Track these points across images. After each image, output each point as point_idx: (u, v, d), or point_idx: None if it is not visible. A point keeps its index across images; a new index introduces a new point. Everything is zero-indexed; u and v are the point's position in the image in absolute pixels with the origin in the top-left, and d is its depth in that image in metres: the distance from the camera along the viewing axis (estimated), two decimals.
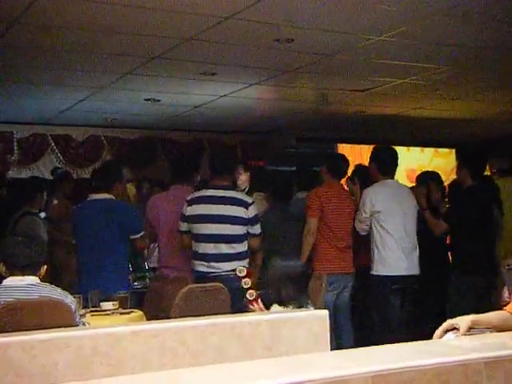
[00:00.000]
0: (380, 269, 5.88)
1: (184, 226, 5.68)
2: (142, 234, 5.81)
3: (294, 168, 9.85)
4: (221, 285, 4.37)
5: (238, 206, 5.57)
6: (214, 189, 5.66)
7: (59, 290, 3.94)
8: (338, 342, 5.91)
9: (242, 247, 5.62)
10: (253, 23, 5.34)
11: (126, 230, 5.72)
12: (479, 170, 6.23)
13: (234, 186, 6.14)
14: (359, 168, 7.09)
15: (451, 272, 6.08)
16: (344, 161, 6.48)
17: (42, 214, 7.31)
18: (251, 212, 5.61)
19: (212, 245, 5.53)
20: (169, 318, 4.08)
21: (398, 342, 2.45)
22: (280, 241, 5.97)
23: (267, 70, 6.89)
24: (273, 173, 7.38)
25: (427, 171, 7.30)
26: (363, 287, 6.15)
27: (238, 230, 5.58)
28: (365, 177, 6.67)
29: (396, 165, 6.14)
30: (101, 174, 5.98)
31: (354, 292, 6.20)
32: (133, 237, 5.78)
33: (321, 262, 5.97)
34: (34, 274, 3.88)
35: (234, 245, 5.56)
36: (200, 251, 5.56)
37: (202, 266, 5.49)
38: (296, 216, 6.21)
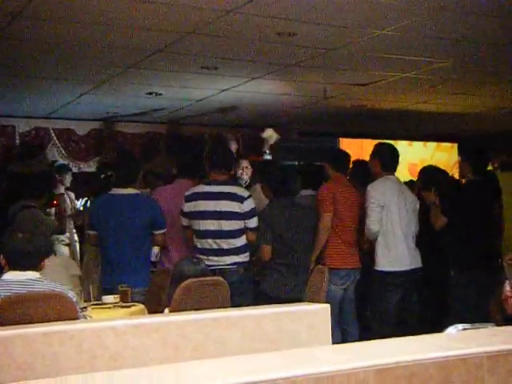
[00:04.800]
0: (384, 264, 5.89)
1: (185, 222, 5.70)
2: (165, 230, 5.79)
3: (296, 163, 9.84)
4: (221, 278, 4.36)
5: (232, 200, 5.56)
6: (210, 184, 5.65)
7: (59, 284, 3.94)
8: (344, 335, 5.93)
9: (240, 242, 5.62)
10: (255, 17, 5.33)
11: (152, 225, 5.70)
12: (481, 164, 6.24)
13: (232, 181, 6.10)
14: (358, 163, 7.08)
15: (451, 267, 6.09)
16: (346, 155, 6.53)
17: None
18: (246, 206, 5.60)
19: (210, 240, 5.54)
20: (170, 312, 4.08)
21: (401, 335, 2.46)
22: (283, 234, 5.91)
23: (269, 64, 6.88)
24: (277, 166, 7.31)
25: (432, 167, 7.27)
26: (364, 281, 6.15)
27: (235, 224, 5.57)
28: (364, 172, 6.68)
29: (398, 161, 6.19)
30: (125, 169, 5.84)
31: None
32: (157, 232, 5.75)
33: (331, 256, 5.98)
34: (34, 268, 3.87)
35: (232, 240, 5.56)
36: (199, 246, 5.59)
37: None
38: (300, 207, 6.09)
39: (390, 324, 5.88)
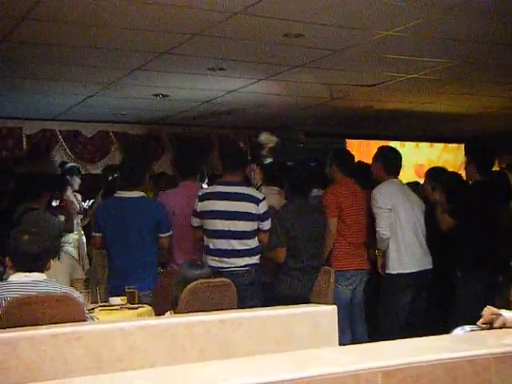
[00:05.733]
0: (397, 266, 5.90)
1: (196, 222, 5.69)
2: (171, 232, 5.78)
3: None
4: (228, 280, 4.34)
5: (248, 201, 5.56)
6: (224, 185, 5.66)
7: (65, 285, 3.95)
8: (352, 336, 5.93)
9: (253, 243, 5.61)
10: (261, 18, 5.33)
11: (158, 228, 5.68)
12: (487, 165, 6.23)
13: (245, 182, 6.11)
14: (359, 166, 7.07)
15: (458, 268, 6.08)
16: (351, 156, 6.52)
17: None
18: (262, 208, 5.60)
19: (223, 241, 5.53)
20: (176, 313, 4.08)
21: (408, 337, 2.45)
22: (297, 236, 5.90)
23: (276, 65, 6.88)
24: (290, 167, 7.31)
25: (438, 167, 7.25)
26: (373, 283, 6.15)
27: (249, 225, 5.57)
28: (365, 174, 6.67)
29: (400, 164, 6.21)
30: (132, 171, 5.81)
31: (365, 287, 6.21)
32: (162, 235, 5.72)
33: (337, 258, 5.98)
34: (40, 270, 3.87)
35: (245, 241, 5.55)
36: (211, 246, 5.56)
37: (213, 261, 5.49)
38: (314, 210, 6.10)
39: (398, 325, 5.88)
